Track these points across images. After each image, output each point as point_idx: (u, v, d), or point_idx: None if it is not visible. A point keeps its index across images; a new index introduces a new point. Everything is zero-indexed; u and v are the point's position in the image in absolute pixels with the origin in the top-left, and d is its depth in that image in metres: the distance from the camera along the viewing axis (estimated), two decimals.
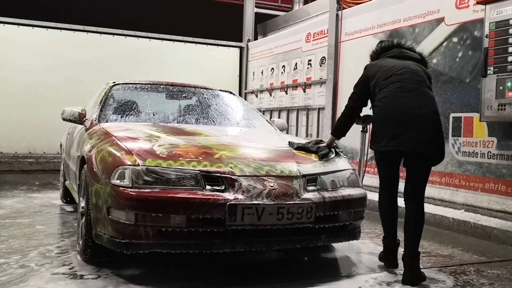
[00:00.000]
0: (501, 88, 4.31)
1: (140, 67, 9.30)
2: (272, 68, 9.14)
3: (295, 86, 8.36)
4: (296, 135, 8.20)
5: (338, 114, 7.26)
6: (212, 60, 9.99)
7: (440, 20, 5.47)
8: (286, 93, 8.57)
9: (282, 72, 8.79)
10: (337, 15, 7.18)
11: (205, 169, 2.95)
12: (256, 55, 9.91)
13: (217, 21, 13.20)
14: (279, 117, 8.73)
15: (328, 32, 7.32)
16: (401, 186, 3.27)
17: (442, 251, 3.97)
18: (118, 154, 3.07)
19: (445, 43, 5.39)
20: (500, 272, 3.42)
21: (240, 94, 10.14)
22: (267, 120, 4.87)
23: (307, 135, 7.95)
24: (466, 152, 5.08)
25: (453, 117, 5.24)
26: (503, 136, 4.70)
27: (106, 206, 2.93)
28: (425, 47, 5.44)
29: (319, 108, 7.63)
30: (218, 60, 10.08)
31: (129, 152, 3.05)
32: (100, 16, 11.33)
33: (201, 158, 3.05)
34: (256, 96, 9.70)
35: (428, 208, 5.14)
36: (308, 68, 8.06)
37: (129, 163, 2.94)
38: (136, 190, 2.83)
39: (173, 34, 9.81)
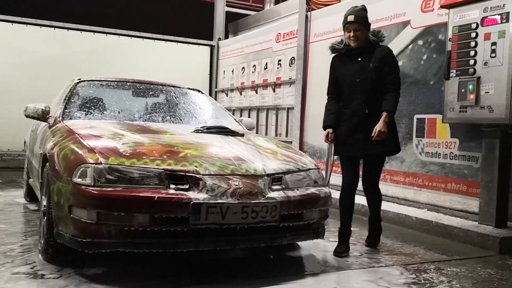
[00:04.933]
0: (463, 90, 4.42)
1: (109, 64, 9.16)
2: (243, 68, 9.15)
3: (265, 86, 8.39)
4: (266, 134, 8.24)
5: (307, 114, 7.36)
6: (182, 58, 9.93)
7: (406, 23, 5.58)
8: (256, 92, 8.59)
9: (253, 72, 8.81)
10: (306, 16, 7.24)
11: (169, 167, 2.94)
12: (227, 54, 9.90)
13: (188, 19, 13.12)
14: (249, 116, 8.75)
15: (298, 32, 7.38)
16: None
17: (405, 250, 4.06)
18: (80, 152, 3.03)
19: (410, 46, 5.50)
20: (459, 270, 3.51)
21: (210, 93, 10.12)
22: (235, 119, 4.86)
23: (276, 135, 7.99)
24: (429, 152, 5.20)
25: (417, 119, 5.35)
26: (465, 138, 4.82)
27: (68, 204, 2.89)
28: (392, 49, 5.52)
29: (288, 108, 7.68)
30: (188, 58, 10.03)
31: (91, 150, 3.01)
32: (67, 11, 11.10)
33: (165, 156, 3.03)
34: (227, 95, 9.70)
35: (392, 207, 5.27)
36: (278, 68, 8.10)
37: (91, 161, 2.90)
38: (98, 188, 2.79)
39: (143, 31, 9.71)
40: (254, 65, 8.77)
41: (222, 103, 9.83)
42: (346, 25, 3.82)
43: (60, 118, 4.03)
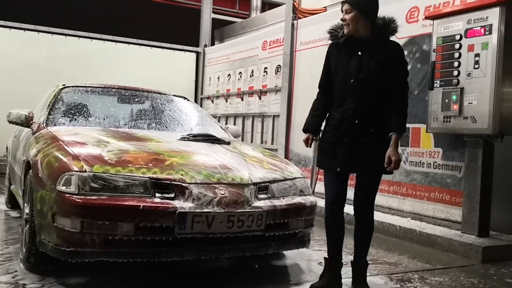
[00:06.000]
0: (446, 101, 4.48)
1: (94, 70, 9.09)
2: (229, 74, 9.15)
3: (251, 93, 8.40)
4: (251, 141, 8.24)
5: (293, 122, 7.38)
6: (168, 64, 9.90)
7: None
8: (242, 99, 8.60)
9: (238, 79, 8.81)
10: (292, 24, 7.28)
11: (155, 176, 2.92)
12: (213, 61, 9.90)
13: (174, 25, 13.09)
14: (235, 124, 8.74)
15: (284, 40, 7.41)
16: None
17: (389, 259, 4.08)
18: (64, 159, 2.99)
19: None
20: (443, 279, 3.54)
21: (196, 99, 10.10)
22: (221, 127, 4.86)
23: (262, 142, 7.99)
24: (413, 161, 5.24)
25: None
26: (448, 147, 4.88)
27: (51, 213, 2.85)
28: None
29: (274, 116, 7.69)
30: (174, 64, 10.00)
31: (76, 157, 2.98)
32: (52, 15, 10.99)
33: (151, 164, 3.01)
34: (212, 102, 9.68)
35: (376, 215, 5.22)
36: (264, 75, 8.12)
37: (75, 169, 2.87)
38: (83, 197, 2.76)
39: (129, 36, 9.66)
40: (240, 72, 8.78)
41: (208, 110, 9.82)
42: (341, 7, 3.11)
43: (44, 124, 3.98)
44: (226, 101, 9.14)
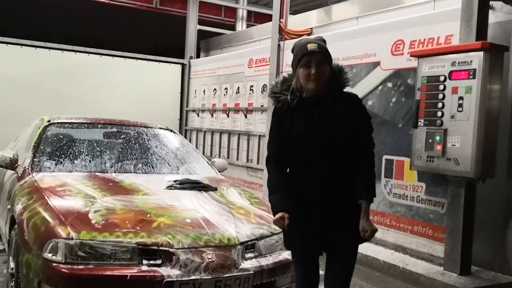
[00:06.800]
0: (430, 141, 4.54)
1: (78, 83, 9.00)
2: (215, 89, 9.13)
3: (237, 110, 8.39)
4: (237, 159, 8.25)
5: None
6: (153, 76, 9.82)
7: (377, 64, 5.67)
8: (228, 116, 8.59)
9: (224, 94, 8.80)
10: (278, 45, 7.28)
11: (142, 241, 2.93)
12: (198, 73, 9.86)
13: (159, 34, 12.99)
14: (220, 139, 8.76)
15: (270, 61, 7.40)
16: None
17: None
18: (51, 223, 2.99)
19: (380, 87, 5.60)
20: None
21: (181, 112, 10.08)
22: (207, 162, 4.87)
23: (247, 160, 8.01)
24: (397, 194, 5.31)
25: (385, 159, 5.45)
26: (432, 183, 4.95)
27: (37, 280, 2.85)
28: (362, 88, 5.64)
29: (260, 135, 7.71)
30: (159, 76, 9.93)
31: (62, 222, 2.98)
32: (35, 29, 10.84)
33: (138, 228, 3.02)
34: (198, 115, 9.66)
35: (361, 246, 5.35)
36: (250, 93, 8.12)
37: (62, 235, 2.87)
38: (70, 266, 2.77)
39: (113, 49, 9.57)
40: (226, 88, 8.76)
41: (193, 123, 9.81)
42: (303, 58, 2.60)
43: (29, 169, 3.96)
44: (212, 116, 9.12)
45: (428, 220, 4.98)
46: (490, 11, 4.60)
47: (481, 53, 4.19)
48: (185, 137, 9.95)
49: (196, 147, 9.50)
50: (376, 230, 2.69)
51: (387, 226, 5.41)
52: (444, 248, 4.69)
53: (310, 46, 2.61)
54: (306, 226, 2.65)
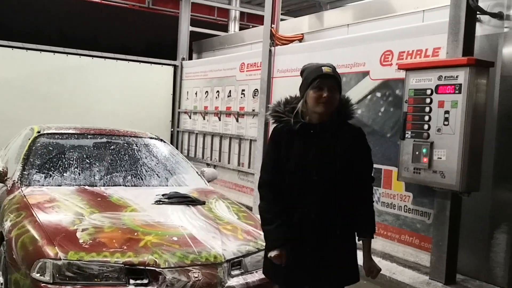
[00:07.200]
0: (417, 153, 4.59)
1: (70, 85, 9.02)
2: (207, 91, 9.15)
3: (228, 114, 8.43)
4: (228, 162, 8.30)
5: None
6: (145, 78, 9.83)
7: (366, 73, 5.72)
8: (220, 119, 8.62)
9: (216, 97, 8.82)
10: (270, 50, 7.30)
11: (129, 260, 2.97)
12: (190, 75, 9.87)
13: (151, 35, 12.96)
14: (212, 142, 8.80)
15: (262, 66, 7.43)
16: None
17: None
18: (39, 242, 3.02)
19: (369, 96, 5.65)
20: None
21: (173, 113, 10.10)
22: (197, 173, 4.90)
23: (239, 164, 8.05)
24: (385, 202, 5.38)
25: (374, 168, 5.49)
26: (419, 193, 5.02)
27: None
28: (351, 97, 5.58)
29: (251, 140, 7.75)
30: (151, 78, 9.94)
31: (50, 241, 3.01)
32: (26, 31, 10.78)
33: (125, 247, 3.05)
34: (190, 117, 9.69)
35: None
36: (241, 97, 8.15)
37: (51, 255, 2.91)
38: (58, 287, 2.81)
39: (105, 51, 9.56)
40: (218, 91, 8.79)
41: (185, 125, 9.84)
42: (316, 80, 2.49)
43: (18, 182, 3.99)
44: (204, 118, 9.15)
45: (415, 229, 5.05)
46: (478, 24, 4.64)
47: (467, 69, 4.24)
48: (177, 138, 9.99)
49: (188, 149, 9.55)
50: (380, 269, 2.65)
51: (375, 234, 5.46)
52: (430, 257, 4.76)
53: (325, 69, 2.51)
54: (298, 261, 2.51)
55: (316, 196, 2.50)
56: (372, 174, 2.75)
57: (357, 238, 2.63)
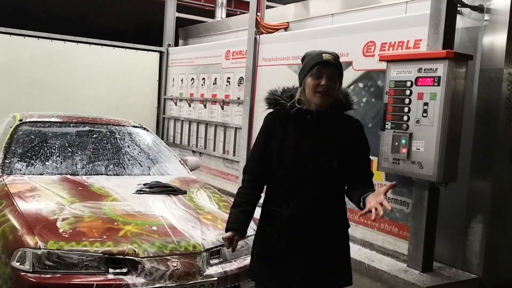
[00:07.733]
0: (396, 144, 4.67)
1: (54, 71, 8.95)
2: (192, 79, 9.14)
3: (214, 101, 8.44)
4: (214, 150, 8.33)
5: (254, 136, 7.46)
6: (130, 64, 9.78)
7: (349, 64, 5.76)
8: (205, 106, 8.64)
9: (202, 85, 8.83)
10: (255, 38, 7.31)
11: (108, 250, 3.01)
12: (176, 62, 9.85)
13: (139, 20, 12.87)
14: (197, 129, 8.82)
15: (247, 54, 7.44)
16: None
17: None
18: (19, 232, 3.06)
19: (352, 87, 5.70)
20: None
21: (159, 100, 10.09)
22: (180, 162, 4.94)
23: (224, 152, 8.10)
24: None
25: None
26: (398, 183, 5.00)
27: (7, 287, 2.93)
28: None
29: (236, 128, 7.79)
30: (137, 64, 9.89)
31: (30, 230, 3.05)
32: (9, 16, 10.65)
33: (105, 237, 3.10)
34: (175, 104, 9.68)
35: None
36: (227, 85, 8.16)
37: (30, 244, 2.94)
38: (37, 275, 2.85)
39: (89, 36, 9.49)
40: (204, 78, 8.78)
41: (171, 112, 9.83)
42: (315, 67, 2.38)
43: (0, 171, 4.00)
44: (190, 105, 9.16)
45: (394, 218, 5.15)
46: (459, 16, 4.70)
47: (446, 61, 4.30)
48: (163, 125, 9.99)
49: (174, 136, 9.57)
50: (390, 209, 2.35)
51: (355, 222, 5.57)
52: (408, 246, 4.87)
53: (326, 56, 2.40)
54: (288, 257, 2.42)
55: (309, 189, 2.39)
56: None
57: (361, 203, 2.41)
